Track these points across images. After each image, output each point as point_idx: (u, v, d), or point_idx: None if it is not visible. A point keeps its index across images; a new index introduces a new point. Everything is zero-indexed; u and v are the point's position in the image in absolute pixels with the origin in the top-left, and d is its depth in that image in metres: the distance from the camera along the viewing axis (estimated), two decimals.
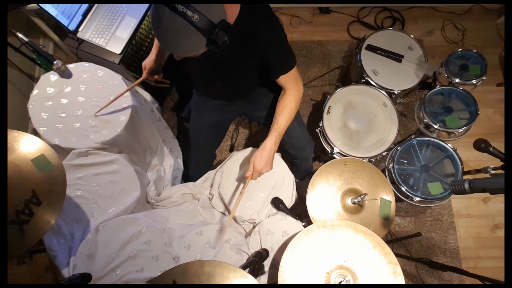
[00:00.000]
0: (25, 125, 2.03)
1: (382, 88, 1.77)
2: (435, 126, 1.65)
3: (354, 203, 1.35)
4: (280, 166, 1.54)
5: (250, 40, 1.13)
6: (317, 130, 1.72)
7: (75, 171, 1.43)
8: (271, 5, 1.17)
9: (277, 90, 1.55)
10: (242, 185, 1.48)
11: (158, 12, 0.86)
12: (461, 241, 2.09)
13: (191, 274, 0.96)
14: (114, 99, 1.46)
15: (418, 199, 1.56)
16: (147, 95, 1.85)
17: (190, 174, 1.71)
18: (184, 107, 2.18)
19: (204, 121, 1.59)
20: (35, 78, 2.21)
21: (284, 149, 1.67)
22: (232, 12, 1.06)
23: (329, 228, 1.12)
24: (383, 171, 1.55)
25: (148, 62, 1.45)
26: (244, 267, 1.12)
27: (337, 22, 2.57)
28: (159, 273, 1.24)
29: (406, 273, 2.00)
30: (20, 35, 1.50)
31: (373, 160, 1.66)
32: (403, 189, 1.57)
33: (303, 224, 1.40)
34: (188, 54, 0.96)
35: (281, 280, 1.04)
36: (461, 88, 1.71)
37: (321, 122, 1.69)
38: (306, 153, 1.66)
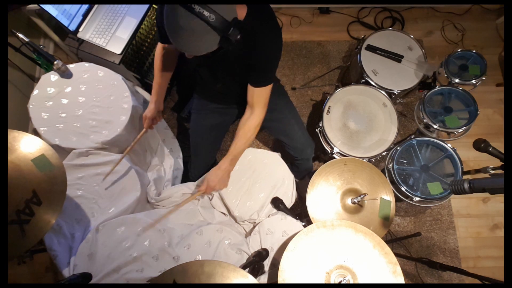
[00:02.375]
0: (26, 125, 2.03)
1: (381, 88, 1.77)
2: (435, 126, 1.65)
3: (354, 203, 1.35)
4: (280, 166, 1.55)
5: (249, 44, 1.14)
6: (317, 130, 1.72)
7: (75, 171, 1.43)
8: (271, 6, 1.18)
9: (276, 92, 1.55)
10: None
11: (174, 12, 0.87)
12: (461, 241, 2.09)
13: (191, 273, 0.96)
14: (120, 160, 1.43)
15: (417, 199, 1.56)
16: (147, 95, 1.85)
17: (190, 177, 1.71)
18: (184, 107, 2.19)
19: (204, 124, 1.59)
20: (35, 78, 2.21)
21: (284, 150, 1.68)
22: (239, 12, 1.07)
23: (329, 228, 1.13)
24: (382, 171, 1.55)
25: (148, 112, 1.43)
26: (244, 267, 1.12)
27: (337, 22, 2.57)
28: (159, 273, 1.24)
29: (405, 273, 2.01)
30: (20, 35, 1.51)
31: (373, 160, 1.66)
32: (402, 189, 1.57)
33: (303, 224, 1.40)
34: (201, 53, 0.96)
35: (281, 279, 1.04)
36: (460, 88, 1.71)
37: (321, 122, 1.70)
38: (306, 154, 1.66)
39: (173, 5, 0.86)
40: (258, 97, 1.29)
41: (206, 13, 0.84)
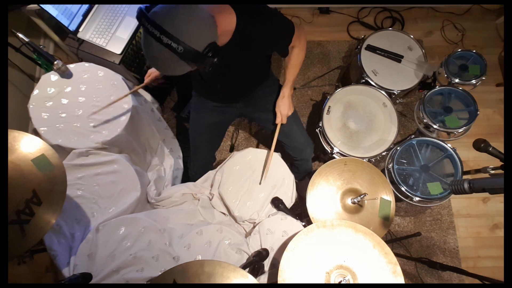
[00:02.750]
0: (26, 125, 2.03)
1: (381, 88, 1.77)
2: (435, 126, 1.65)
3: (354, 203, 1.35)
4: (280, 167, 1.55)
5: (250, 43, 1.14)
6: (317, 130, 1.72)
7: (75, 171, 1.43)
8: (271, 6, 1.17)
9: (276, 92, 1.56)
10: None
11: (146, 42, 0.89)
12: (461, 241, 2.09)
13: (191, 273, 0.96)
14: (113, 102, 1.47)
15: (417, 199, 1.56)
16: (147, 95, 1.85)
17: (189, 175, 1.71)
18: (184, 107, 2.19)
19: (203, 122, 1.59)
20: (35, 78, 2.21)
21: (284, 151, 1.68)
22: (228, 23, 1.06)
23: (329, 228, 1.13)
24: (382, 171, 1.55)
25: (155, 71, 1.50)
26: (244, 267, 1.12)
27: (337, 23, 2.57)
28: (159, 273, 1.24)
29: (405, 273, 2.01)
30: (20, 35, 1.51)
31: (373, 160, 1.66)
32: (402, 189, 1.57)
33: (303, 224, 1.40)
34: (180, 74, 0.98)
35: (281, 279, 1.04)
36: (460, 88, 1.71)
37: (321, 122, 1.70)
38: (305, 155, 1.66)
39: (145, 35, 0.89)
40: (294, 43, 1.32)
41: (174, 45, 0.85)
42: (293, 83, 1.50)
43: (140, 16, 0.89)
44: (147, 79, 1.56)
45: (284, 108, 1.48)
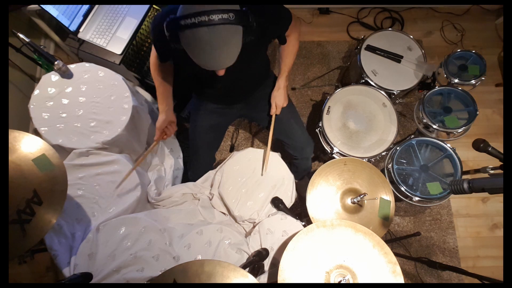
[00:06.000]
0: (26, 125, 2.03)
1: (381, 88, 1.77)
2: (434, 126, 1.65)
3: (353, 202, 1.35)
4: (280, 166, 1.55)
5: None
6: (317, 130, 1.73)
7: (76, 171, 1.44)
8: None
9: None
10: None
11: (198, 37, 0.84)
12: (460, 241, 2.09)
13: (191, 273, 0.96)
14: (132, 170, 1.44)
15: (417, 199, 1.57)
16: (147, 96, 1.86)
17: (189, 177, 1.71)
18: (184, 107, 2.19)
19: (203, 124, 1.59)
20: (36, 79, 2.21)
21: (284, 150, 1.68)
22: None
23: (329, 228, 1.13)
24: (382, 171, 1.55)
25: (157, 123, 1.41)
26: (244, 267, 1.13)
27: (337, 23, 2.58)
28: (160, 273, 1.25)
29: (405, 273, 2.01)
30: (21, 35, 1.51)
31: (373, 160, 1.66)
32: (402, 189, 1.57)
33: (303, 223, 1.41)
34: (236, 58, 0.94)
35: (281, 279, 1.05)
36: (460, 88, 1.71)
37: (320, 122, 1.70)
38: (306, 153, 1.67)
39: (191, 32, 0.84)
40: (289, 32, 1.35)
41: (225, 16, 0.83)
42: (289, 74, 1.48)
43: (174, 23, 0.84)
44: (156, 134, 1.42)
45: (279, 99, 1.47)
